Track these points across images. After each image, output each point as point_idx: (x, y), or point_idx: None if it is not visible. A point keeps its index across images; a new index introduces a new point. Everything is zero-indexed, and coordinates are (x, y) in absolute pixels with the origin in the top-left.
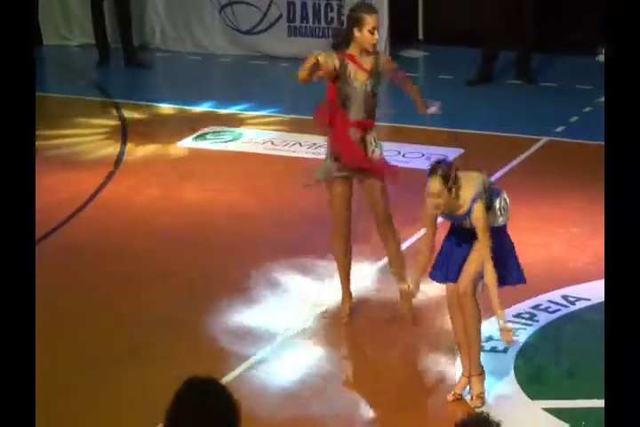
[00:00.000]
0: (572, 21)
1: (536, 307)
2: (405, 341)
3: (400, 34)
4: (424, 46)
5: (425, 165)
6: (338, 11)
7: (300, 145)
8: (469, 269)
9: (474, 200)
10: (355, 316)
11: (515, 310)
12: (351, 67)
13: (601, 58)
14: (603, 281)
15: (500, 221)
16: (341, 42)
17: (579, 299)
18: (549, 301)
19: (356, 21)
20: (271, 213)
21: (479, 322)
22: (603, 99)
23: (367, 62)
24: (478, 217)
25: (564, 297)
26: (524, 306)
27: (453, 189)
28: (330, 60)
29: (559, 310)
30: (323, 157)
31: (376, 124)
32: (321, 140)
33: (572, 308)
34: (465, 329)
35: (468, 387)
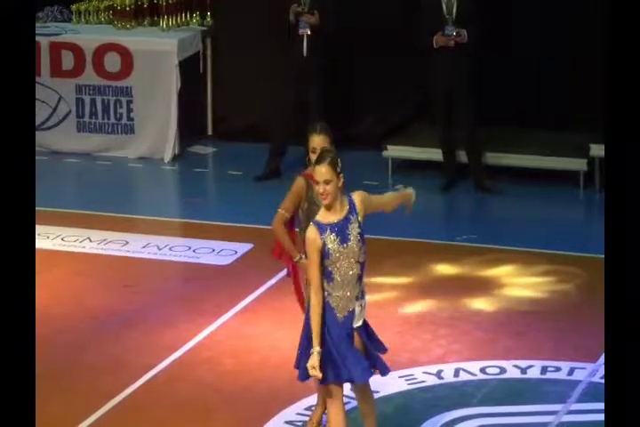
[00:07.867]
0: (358, 115)
1: None
2: None
3: (189, 130)
4: (213, 142)
5: (217, 260)
6: (127, 107)
7: (90, 241)
8: None
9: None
10: None
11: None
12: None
13: (385, 153)
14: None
15: None
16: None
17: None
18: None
19: None
20: (63, 307)
21: None
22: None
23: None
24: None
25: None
26: (307, 402)
27: (341, 176)
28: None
29: (349, 402)
30: (112, 252)
31: None
32: (110, 236)
33: None
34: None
35: None
